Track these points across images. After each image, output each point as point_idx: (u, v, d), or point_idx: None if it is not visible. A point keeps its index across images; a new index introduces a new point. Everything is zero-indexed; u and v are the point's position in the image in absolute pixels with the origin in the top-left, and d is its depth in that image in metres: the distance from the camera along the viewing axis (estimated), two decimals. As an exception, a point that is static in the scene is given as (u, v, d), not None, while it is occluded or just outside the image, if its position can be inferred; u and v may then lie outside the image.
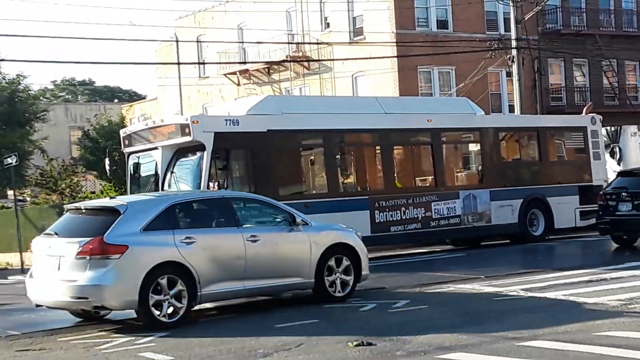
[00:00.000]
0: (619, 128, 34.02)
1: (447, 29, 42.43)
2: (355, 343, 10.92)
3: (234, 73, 48.84)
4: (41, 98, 58.97)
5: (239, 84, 48.81)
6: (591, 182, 27.88)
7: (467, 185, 26.15)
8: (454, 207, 24.94)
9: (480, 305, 13.93)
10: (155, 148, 22.22)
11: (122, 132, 23.90)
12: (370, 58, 37.57)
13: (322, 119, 23.45)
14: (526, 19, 35.18)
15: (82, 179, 46.19)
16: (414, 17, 41.71)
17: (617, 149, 33.52)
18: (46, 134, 43.32)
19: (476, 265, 21.09)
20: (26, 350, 12.13)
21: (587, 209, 27.17)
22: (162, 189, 21.58)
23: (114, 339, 12.47)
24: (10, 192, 40.78)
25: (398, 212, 23.95)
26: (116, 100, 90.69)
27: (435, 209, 24.59)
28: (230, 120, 21.86)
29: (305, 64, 44.99)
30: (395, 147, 25.20)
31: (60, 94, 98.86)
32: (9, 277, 32.39)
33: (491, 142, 26.60)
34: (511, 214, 25.93)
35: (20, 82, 41.91)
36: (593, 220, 27.18)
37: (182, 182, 21.56)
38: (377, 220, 23.54)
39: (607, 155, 31.45)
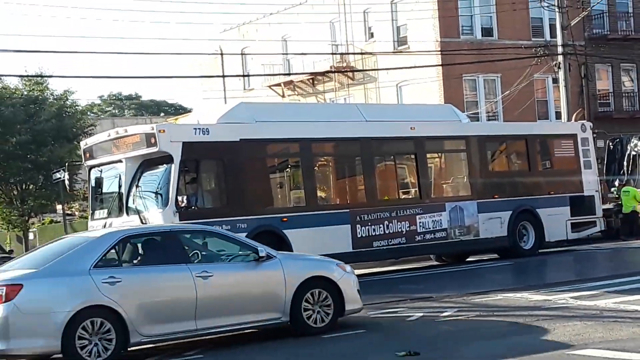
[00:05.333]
0: None
1: (492, 36, 42.20)
2: (402, 353, 10.83)
3: (279, 85, 48.98)
4: (88, 113, 59.60)
5: (283, 96, 48.95)
6: (582, 192, 26.81)
7: (454, 196, 24.77)
8: (440, 220, 23.59)
9: (529, 313, 13.74)
10: (119, 160, 20.66)
11: (83, 144, 22.30)
12: (415, 67, 37.44)
13: (298, 128, 22.10)
14: (572, 24, 34.85)
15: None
16: (458, 25, 41.56)
17: None
18: (94, 149, 43.67)
19: (522, 274, 20.89)
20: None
21: (579, 220, 26.40)
22: (127, 205, 20.17)
23: None
24: (59, 207, 41.16)
25: (381, 226, 22.54)
26: (162, 114, 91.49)
27: (420, 222, 23.21)
28: (199, 129, 20.40)
29: (350, 74, 45.01)
30: (377, 157, 23.83)
31: (107, 109, 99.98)
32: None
33: (478, 151, 25.33)
34: (500, 226, 24.54)
35: (68, 97, 42.41)
36: (585, 233, 26.87)
37: (148, 197, 20.05)
38: (358, 235, 22.09)
39: None
